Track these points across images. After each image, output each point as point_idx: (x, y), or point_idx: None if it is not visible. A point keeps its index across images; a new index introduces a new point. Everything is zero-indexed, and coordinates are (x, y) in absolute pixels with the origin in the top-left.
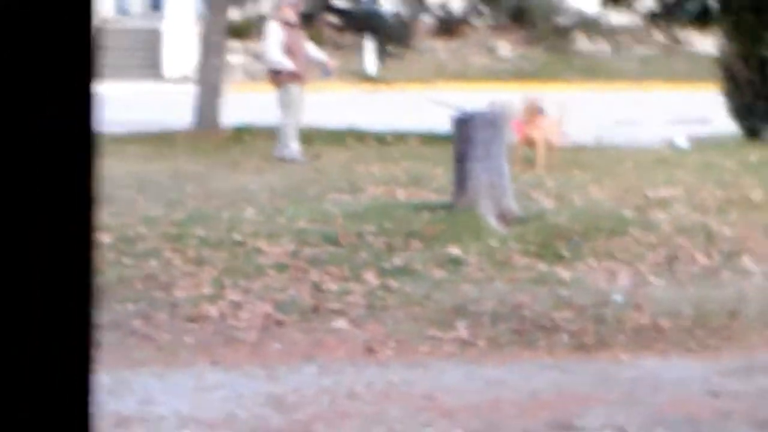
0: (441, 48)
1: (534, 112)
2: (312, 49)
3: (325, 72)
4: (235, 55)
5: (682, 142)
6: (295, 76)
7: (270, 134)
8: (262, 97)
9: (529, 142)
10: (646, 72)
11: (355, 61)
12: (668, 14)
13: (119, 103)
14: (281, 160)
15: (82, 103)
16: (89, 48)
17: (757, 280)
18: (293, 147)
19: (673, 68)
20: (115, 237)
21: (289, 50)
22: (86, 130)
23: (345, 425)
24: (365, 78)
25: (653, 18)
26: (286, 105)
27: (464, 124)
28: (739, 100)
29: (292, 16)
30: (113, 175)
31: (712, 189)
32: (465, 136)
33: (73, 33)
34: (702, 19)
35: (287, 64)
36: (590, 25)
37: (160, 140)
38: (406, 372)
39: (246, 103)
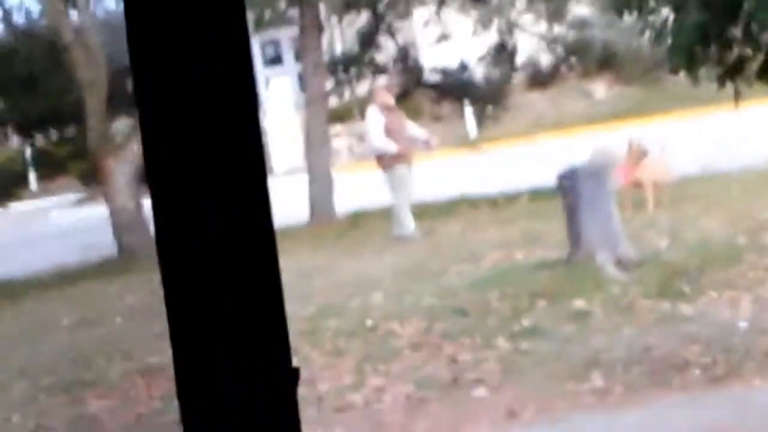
0: (537, 99)
1: (639, 154)
2: (412, 128)
3: (427, 148)
4: (339, 138)
5: None
6: (399, 157)
7: (384, 215)
8: (371, 177)
9: (637, 185)
10: (744, 90)
11: (456, 127)
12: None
13: None
14: (399, 239)
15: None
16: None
17: None
18: (408, 225)
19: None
20: None
21: (391, 132)
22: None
23: None
24: (466, 143)
25: (719, 79)
26: (395, 186)
27: (568, 178)
28: None
29: (388, 98)
30: None
31: None
32: (571, 189)
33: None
34: None
35: (390, 146)
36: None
37: (280, 236)
38: (550, 429)
39: (356, 185)
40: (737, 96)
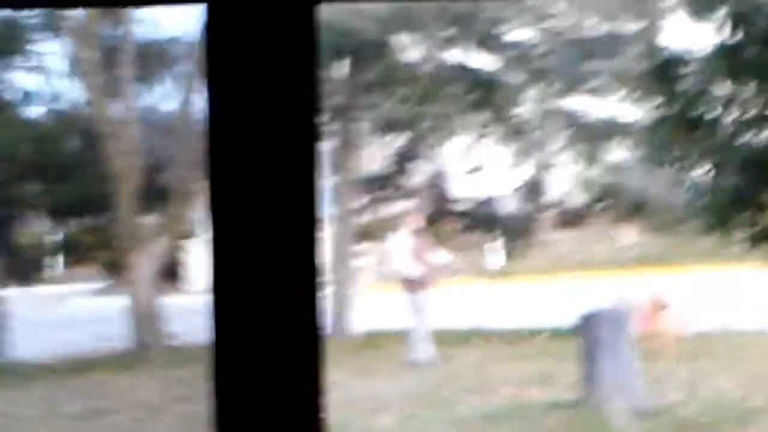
0: (563, 238)
1: (659, 306)
2: (438, 254)
3: (451, 273)
4: (365, 257)
5: None
6: (423, 283)
7: (402, 338)
8: (392, 298)
9: (655, 336)
10: None
11: (480, 257)
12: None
13: None
14: (414, 364)
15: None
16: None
17: None
18: (425, 351)
19: None
20: None
21: (416, 256)
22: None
23: None
24: (490, 274)
25: (751, 241)
26: (416, 310)
27: (590, 321)
28: None
29: (417, 221)
30: None
31: None
32: (591, 334)
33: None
34: None
35: (415, 270)
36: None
37: None
38: None
39: (377, 305)
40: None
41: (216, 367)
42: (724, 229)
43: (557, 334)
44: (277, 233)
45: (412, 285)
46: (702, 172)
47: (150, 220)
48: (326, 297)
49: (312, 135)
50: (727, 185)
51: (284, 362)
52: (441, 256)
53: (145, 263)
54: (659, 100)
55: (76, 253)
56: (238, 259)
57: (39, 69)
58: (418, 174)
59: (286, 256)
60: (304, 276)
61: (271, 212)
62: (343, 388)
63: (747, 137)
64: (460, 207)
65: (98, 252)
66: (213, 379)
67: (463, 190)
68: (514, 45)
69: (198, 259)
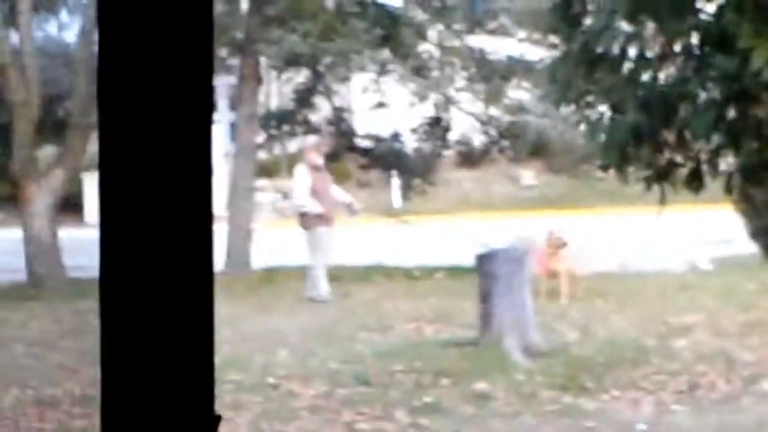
0: (464, 178)
1: (557, 245)
2: (337, 191)
3: (351, 212)
4: (264, 192)
5: (704, 264)
6: (322, 219)
7: (300, 274)
8: (292, 235)
9: (553, 275)
10: (670, 194)
11: (382, 196)
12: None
13: None
14: (311, 300)
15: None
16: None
17: None
18: (323, 288)
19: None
20: None
21: (316, 192)
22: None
23: None
24: (391, 213)
25: (647, 181)
26: (314, 247)
27: (487, 260)
28: (757, 221)
29: (317, 158)
30: None
31: (733, 313)
32: (489, 272)
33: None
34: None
35: (314, 206)
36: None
37: None
38: None
39: (276, 242)
40: (662, 199)
41: (104, 303)
42: (622, 168)
43: (455, 272)
44: (170, 169)
45: (311, 221)
46: (602, 111)
47: (47, 152)
48: (225, 233)
49: (207, 70)
50: (626, 123)
51: (174, 299)
52: (340, 193)
53: (41, 196)
54: (560, 37)
55: None
56: (129, 194)
57: None
58: (320, 110)
59: (178, 193)
60: (197, 213)
61: (165, 149)
62: (241, 323)
63: (647, 76)
64: (362, 144)
65: None
66: (101, 314)
67: (365, 127)
68: None
69: (96, 192)
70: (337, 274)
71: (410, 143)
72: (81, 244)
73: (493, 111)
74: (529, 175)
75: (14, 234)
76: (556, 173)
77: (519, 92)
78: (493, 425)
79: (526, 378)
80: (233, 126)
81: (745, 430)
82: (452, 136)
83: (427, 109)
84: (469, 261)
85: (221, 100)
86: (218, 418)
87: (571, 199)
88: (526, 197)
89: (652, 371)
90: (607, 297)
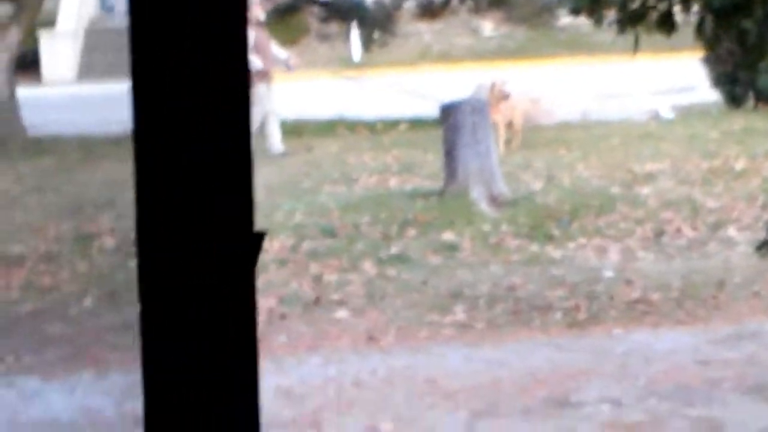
0: (425, 30)
1: (499, 96)
2: (275, 47)
3: (288, 67)
4: None
5: (667, 112)
6: (262, 75)
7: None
8: None
9: (497, 126)
10: (630, 43)
11: (342, 49)
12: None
13: (110, 103)
14: (269, 156)
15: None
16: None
17: (742, 249)
18: (275, 142)
19: (656, 38)
20: (120, 240)
21: (257, 49)
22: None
23: (352, 413)
24: (351, 66)
25: (620, 24)
26: (255, 102)
27: (451, 111)
28: (720, 68)
29: (259, 13)
30: (112, 177)
31: (697, 160)
32: (452, 123)
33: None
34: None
35: (255, 63)
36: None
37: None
38: (408, 357)
39: None
40: (636, 43)
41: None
42: (594, 11)
43: (418, 124)
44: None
45: (253, 79)
46: None
47: (2, 9)
48: None
49: None
50: None
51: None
52: (277, 49)
53: None
54: None
55: None
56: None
57: None
58: None
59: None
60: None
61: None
62: None
63: None
64: None
65: None
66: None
67: None
68: None
69: (54, 49)
70: (299, 129)
71: None
72: (38, 102)
73: None
74: (489, 26)
75: None
76: (516, 24)
77: None
78: (461, 274)
79: (492, 227)
80: None
81: (711, 275)
82: None
83: None
84: (431, 113)
85: None
86: (262, 236)
87: (531, 50)
88: (487, 48)
89: (617, 218)
90: (570, 146)
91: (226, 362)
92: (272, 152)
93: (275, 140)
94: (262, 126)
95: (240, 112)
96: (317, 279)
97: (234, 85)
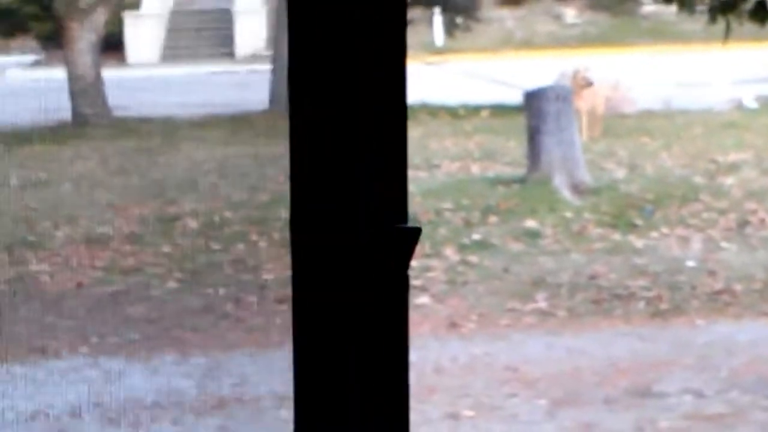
0: (507, 17)
1: (581, 84)
2: None
3: None
4: None
5: (751, 102)
6: None
7: None
8: None
9: (579, 114)
10: (713, 32)
11: (425, 34)
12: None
13: (194, 85)
14: None
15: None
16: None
17: None
18: None
19: (741, 27)
20: (202, 222)
21: None
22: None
23: (433, 399)
24: (434, 51)
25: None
26: None
27: (535, 97)
28: None
29: None
30: (195, 159)
31: None
32: (536, 109)
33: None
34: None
35: None
36: None
37: (238, 122)
38: (489, 345)
39: None
40: (728, 32)
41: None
42: (686, 1)
43: (501, 110)
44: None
45: None
46: None
47: None
48: (272, 71)
49: None
50: None
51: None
52: None
53: (84, 35)
54: None
55: (11, 23)
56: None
57: None
58: None
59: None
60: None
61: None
62: (288, 161)
63: None
64: None
65: (35, 23)
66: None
67: None
68: None
69: (138, 32)
70: None
71: None
72: (123, 83)
73: None
74: (572, 13)
75: (58, 74)
76: (599, 11)
77: None
78: (543, 262)
79: (575, 215)
80: None
81: None
82: None
83: None
84: (514, 99)
85: None
86: (418, 231)
87: (614, 37)
88: (569, 35)
89: (700, 208)
90: (652, 135)
91: (375, 358)
92: None
93: None
94: None
95: (398, 101)
96: None
97: (392, 69)
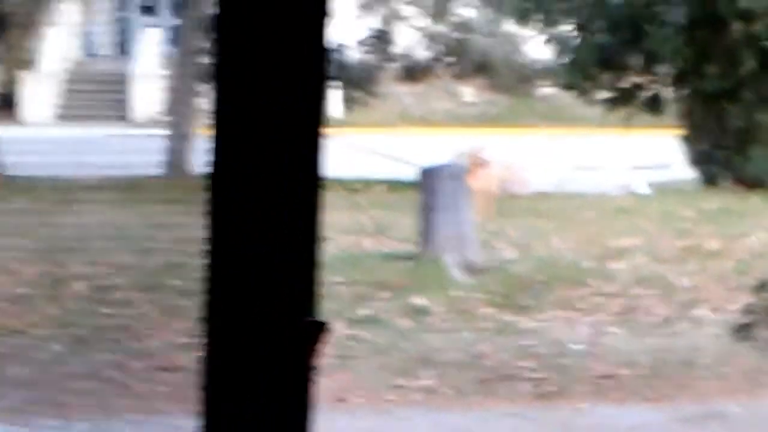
0: (406, 93)
1: (476, 163)
2: None
3: None
4: (206, 98)
5: (643, 188)
6: None
7: None
8: None
9: (474, 194)
10: (608, 117)
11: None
12: (624, 102)
13: (88, 147)
14: None
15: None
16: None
17: (712, 329)
18: None
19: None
20: (90, 286)
21: None
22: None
23: None
24: (332, 124)
25: (609, 102)
26: None
27: (430, 175)
28: (697, 147)
29: None
30: (86, 222)
31: (670, 238)
32: (431, 187)
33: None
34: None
35: None
36: (550, 74)
37: (131, 187)
38: (375, 419)
39: None
40: (628, 120)
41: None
42: (586, 89)
43: (396, 186)
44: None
45: None
46: (567, 29)
47: None
48: (167, 136)
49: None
50: (594, 43)
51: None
52: None
53: None
54: None
55: None
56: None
57: None
58: None
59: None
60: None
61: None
62: (180, 228)
63: None
64: None
65: None
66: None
67: None
68: None
69: (34, 90)
70: None
71: (354, 55)
72: (16, 142)
73: (439, 27)
74: (470, 92)
75: None
76: (497, 92)
77: (466, 9)
78: (431, 339)
79: (465, 294)
80: (177, 30)
81: (680, 354)
82: (397, 49)
83: (373, 22)
84: (408, 176)
85: (164, 4)
86: (323, 325)
87: (511, 118)
88: (467, 114)
89: (589, 292)
90: (545, 216)
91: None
92: None
93: None
94: None
95: (311, 187)
96: None
97: (308, 138)
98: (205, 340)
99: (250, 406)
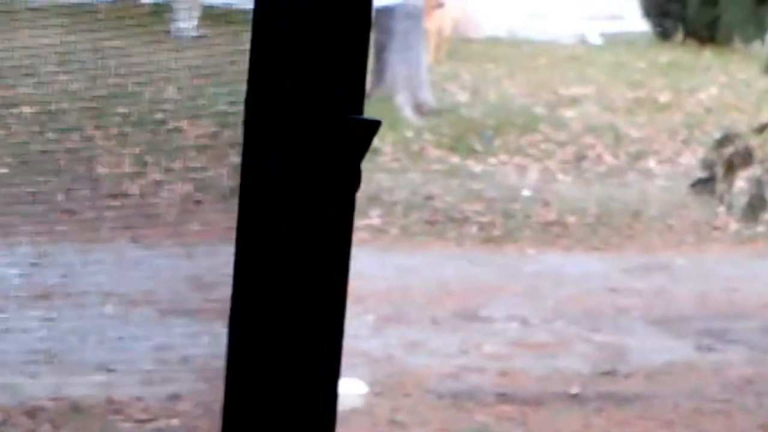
0: None
1: (432, 3)
2: None
3: None
4: None
5: (595, 38)
6: None
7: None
8: None
9: (429, 35)
10: None
11: None
12: None
13: None
14: (177, 37)
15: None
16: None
17: (660, 181)
18: (185, 22)
19: None
20: (37, 110)
21: None
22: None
23: None
24: None
25: None
26: None
27: (384, 14)
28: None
29: None
30: (32, 46)
31: (622, 89)
32: (385, 26)
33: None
34: None
35: None
36: None
37: (80, 11)
38: None
39: None
40: None
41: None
42: None
43: None
44: None
45: None
46: None
47: None
48: None
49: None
50: None
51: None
52: None
53: None
54: None
55: None
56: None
57: None
58: None
59: None
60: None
61: None
62: (129, 56)
63: None
64: None
65: None
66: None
67: None
68: None
69: None
70: (232, 15)
71: None
72: None
73: None
74: None
75: None
76: None
77: None
78: (380, 179)
79: (415, 135)
80: None
81: (628, 204)
82: None
83: None
84: None
85: None
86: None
87: None
88: None
89: (539, 139)
90: (497, 61)
91: (317, 253)
92: (180, 34)
93: (185, 21)
94: (173, 6)
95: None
96: (235, 169)
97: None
98: (245, 138)
99: (286, 215)
